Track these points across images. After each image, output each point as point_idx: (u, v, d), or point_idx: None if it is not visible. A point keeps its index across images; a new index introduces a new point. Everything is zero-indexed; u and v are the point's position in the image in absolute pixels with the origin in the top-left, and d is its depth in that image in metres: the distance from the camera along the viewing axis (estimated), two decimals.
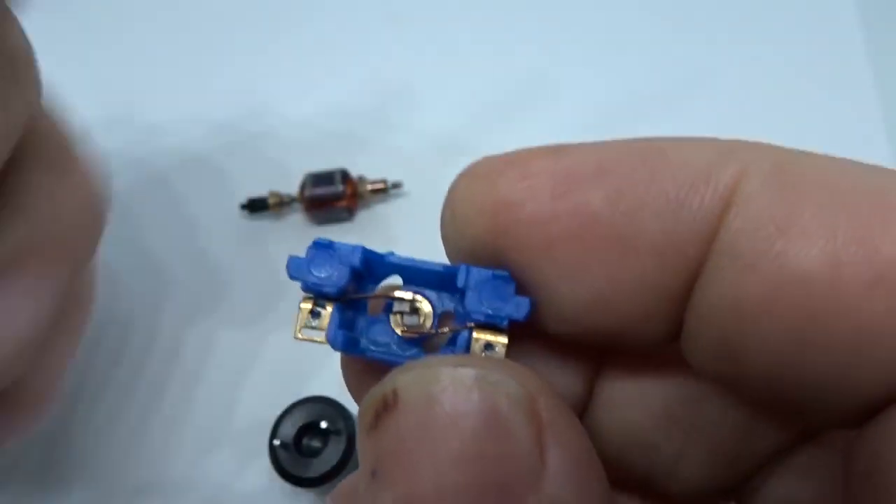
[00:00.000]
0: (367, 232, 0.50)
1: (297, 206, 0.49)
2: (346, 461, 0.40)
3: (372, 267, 0.21)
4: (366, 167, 0.50)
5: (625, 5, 0.57)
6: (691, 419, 0.21)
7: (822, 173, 0.17)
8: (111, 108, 0.53)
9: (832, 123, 0.51)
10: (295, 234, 0.50)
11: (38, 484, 0.44)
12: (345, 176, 0.48)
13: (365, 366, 0.21)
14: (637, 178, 0.17)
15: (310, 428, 0.40)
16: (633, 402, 0.21)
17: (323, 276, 0.20)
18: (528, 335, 0.21)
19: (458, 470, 0.16)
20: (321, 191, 0.48)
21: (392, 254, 0.21)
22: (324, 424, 0.40)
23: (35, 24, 0.28)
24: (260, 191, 0.49)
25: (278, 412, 0.41)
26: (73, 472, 0.44)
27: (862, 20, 0.55)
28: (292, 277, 0.20)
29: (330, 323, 0.20)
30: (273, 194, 0.49)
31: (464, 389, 0.16)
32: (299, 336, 0.20)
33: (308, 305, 0.20)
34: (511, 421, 0.16)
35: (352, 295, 0.20)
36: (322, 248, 0.20)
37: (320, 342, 0.20)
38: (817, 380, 0.16)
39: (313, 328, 0.20)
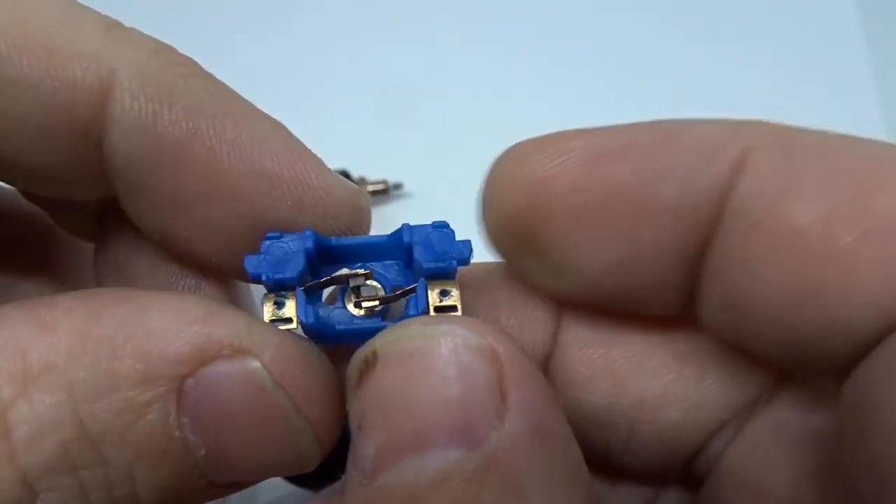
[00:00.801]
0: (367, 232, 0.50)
1: None
2: (345, 460, 0.40)
3: (323, 253, 0.22)
4: (367, 168, 0.50)
5: (625, 5, 0.57)
6: (639, 394, 0.22)
7: (821, 145, 0.19)
8: None
9: (832, 123, 0.50)
10: None
11: None
12: (346, 176, 0.48)
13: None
14: (658, 150, 0.20)
15: None
16: (584, 381, 0.23)
17: (280, 265, 0.21)
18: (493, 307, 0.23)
19: (430, 413, 0.17)
20: None
21: (337, 238, 0.22)
22: None
23: None
24: None
25: None
26: None
27: (862, 20, 0.55)
28: (251, 274, 0.21)
29: (298, 304, 0.21)
30: None
31: (432, 343, 0.18)
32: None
33: (271, 297, 0.21)
34: (473, 367, 0.18)
35: (309, 283, 0.21)
36: (274, 240, 0.21)
37: (293, 328, 0.21)
38: (814, 322, 0.18)
39: (281, 318, 0.21)
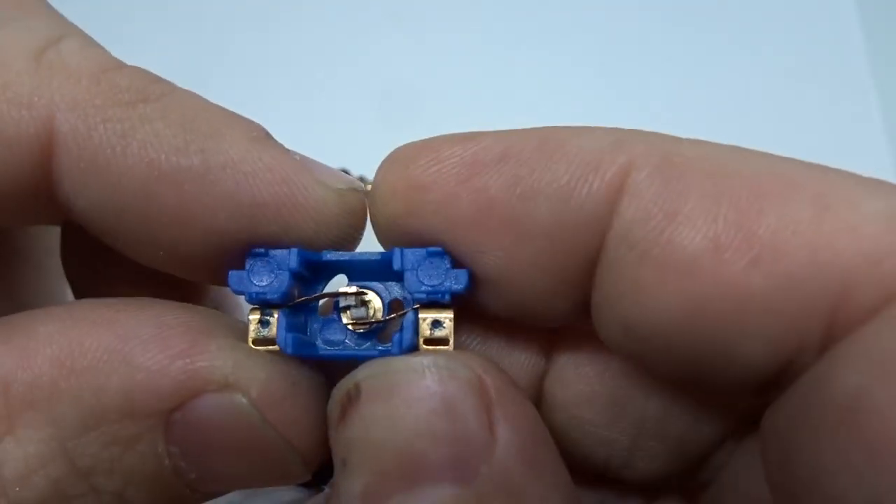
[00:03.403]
0: (367, 232, 0.50)
1: None
2: None
3: (315, 269, 0.21)
4: (366, 167, 0.50)
5: (625, 6, 0.57)
6: (640, 411, 0.22)
7: (705, 161, 0.18)
8: None
9: (832, 125, 0.51)
10: None
11: None
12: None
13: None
14: (534, 165, 0.18)
15: None
16: (582, 400, 0.22)
17: (264, 284, 0.20)
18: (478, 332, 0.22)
19: (418, 449, 0.17)
20: None
21: (329, 252, 0.21)
22: None
23: None
24: None
25: None
26: None
27: (862, 20, 0.55)
28: (235, 291, 0.20)
29: (279, 328, 0.20)
30: None
31: (416, 376, 0.18)
32: (253, 347, 0.20)
33: (256, 316, 0.20)
34: (461, 401, 0.17)
35: (297, 299, 0.21)
36: (259, 257, 0.20)
37: (274, 349, 0.20)
38: (712, 352, 0.18)
39: (265, 338, 0.20)
